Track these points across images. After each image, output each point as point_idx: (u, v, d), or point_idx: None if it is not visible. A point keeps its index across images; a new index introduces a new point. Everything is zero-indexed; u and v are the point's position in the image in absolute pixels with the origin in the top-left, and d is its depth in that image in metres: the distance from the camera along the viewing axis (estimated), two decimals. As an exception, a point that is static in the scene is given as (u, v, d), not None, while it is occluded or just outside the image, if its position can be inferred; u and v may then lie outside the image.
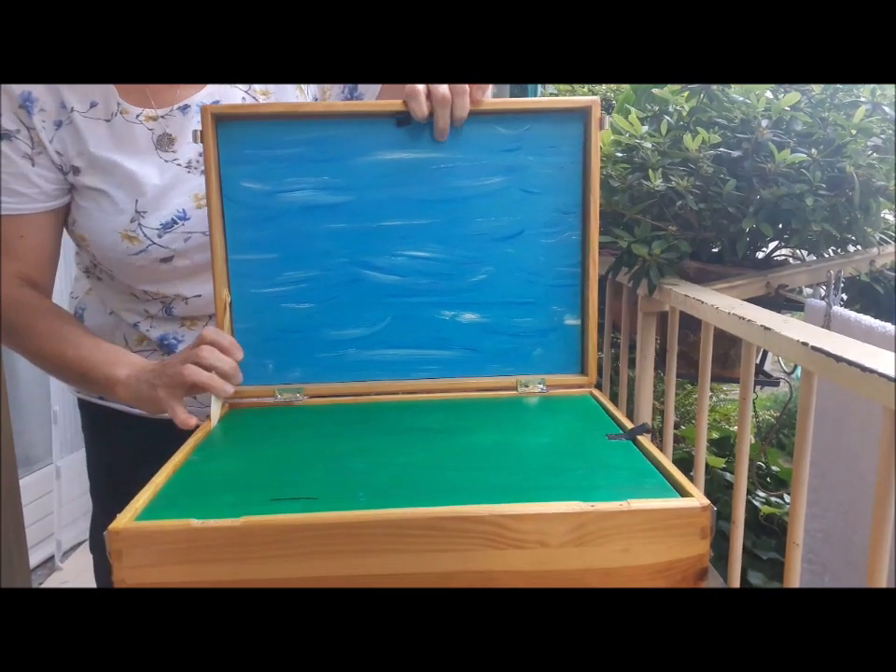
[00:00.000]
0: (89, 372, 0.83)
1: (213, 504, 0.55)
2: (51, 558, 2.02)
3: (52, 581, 1.96)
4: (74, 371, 0.85)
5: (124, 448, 0.98)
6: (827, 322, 0.91)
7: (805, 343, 0.60)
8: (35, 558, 1.93)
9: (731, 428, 1.81)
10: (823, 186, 0.95)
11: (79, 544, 2.12)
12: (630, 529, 0.51)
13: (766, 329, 0.67)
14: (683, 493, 0.54)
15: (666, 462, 0.59)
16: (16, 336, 0.87)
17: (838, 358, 0.55)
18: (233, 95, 0.89)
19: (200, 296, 0.90)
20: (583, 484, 0.56)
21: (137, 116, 0.85)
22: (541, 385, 0.82)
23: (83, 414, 1.03)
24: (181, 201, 0.86)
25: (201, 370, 0.73)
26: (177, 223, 0.86)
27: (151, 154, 0.87)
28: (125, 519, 0.51)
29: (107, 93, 0.86)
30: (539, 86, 2.72)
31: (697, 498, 0.52)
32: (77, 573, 2.02)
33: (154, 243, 0.86)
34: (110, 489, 1.00)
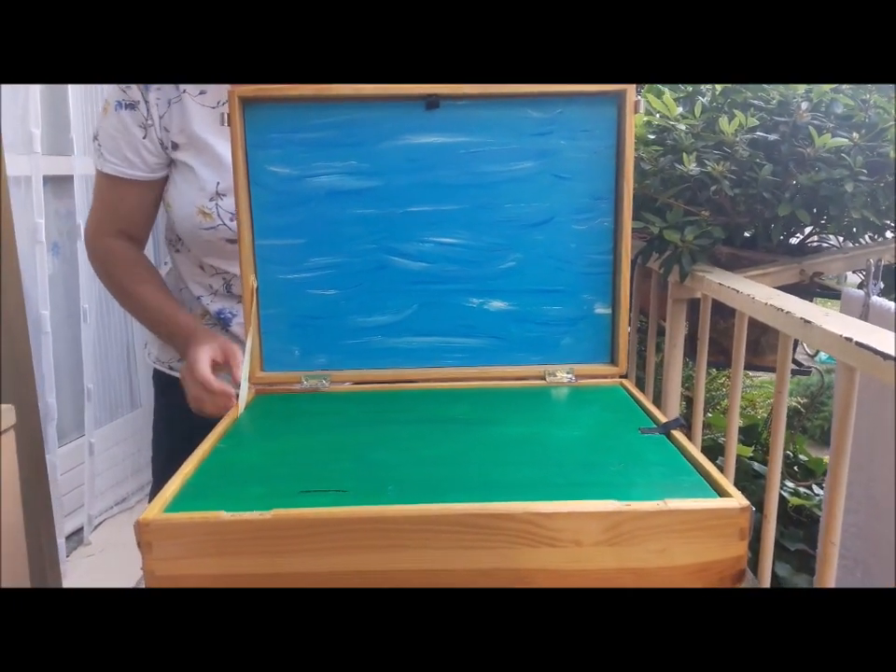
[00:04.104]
0: (158, 336, 1.01)
1: (242, 495, 0.54)
2: (80, 530, 2.06)
3: (79, 555, 2.00)
4: (149, 329, 1.02)
5: (187, 421, 1.00)
6: (865, 312, 0.88)
7: (849, 339, 0.58)
8: (65, 530, 1.96)
9: (758, 416, 1.79)
10: (864, 171, 0.92)
11: (105, 520, 2.16)
12: (667, 529, 0.50)
13: (806, 321, 0.65)
14: (721, 492, 0.52)
15: (703, 459, 0.58)
16: (108, 287, 1.01)
17: (885, 356, 0.53)
18: None
19: None
20: (618, 481, 0.55)
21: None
22: (570, 375, 0.80)
23: (158, 386, 1.10)
24: None
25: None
26: None
27: None
28: (154, 510, 0.51)
29: (220, 84, 0.93)
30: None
31: (736, 499, 0.51)
32: (103, 546, 2.06)
33: (224, 223, 0.94)
34: (174, 453, 1.04)
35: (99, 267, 1.01)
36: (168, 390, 1.09)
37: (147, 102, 0.93)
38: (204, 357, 0.86)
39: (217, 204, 0.94)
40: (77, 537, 2.06)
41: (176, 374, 1.06)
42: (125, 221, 0.99)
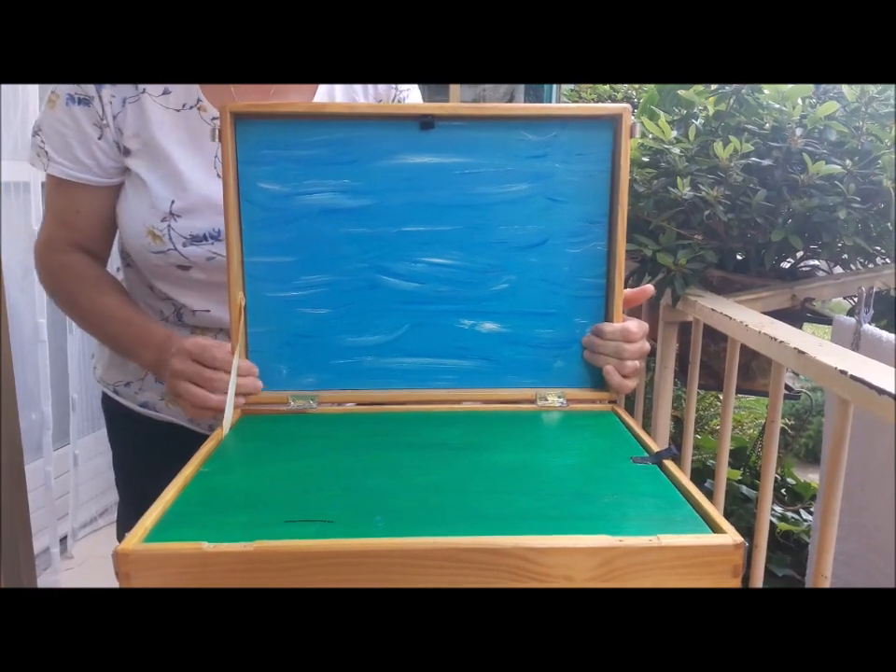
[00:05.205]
0: (124, 352, 0.87)
1: (225, 524, 0.53)
2: (64, 538, 2.03)
3: (60, 567, 1.96)
4: (112, 347, 0.90)
5: (142, 445, 0.97)
6: (856, 340, 0.88)
7: (843, 372, 0.57)
8: (45, 541, 1.93)
9: (745, 438, 1.79)
10: (857, 199, 0.92)
11: (89, 533, 2.13)
12: (659, 566, 0.49)
13: (801, 352, 0.65)
14: (715, 528, 0.52)
15: (695, 491, 0.57)
16: (63, 304, 0.89)
17: (881, 391, 0.53)
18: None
19: (208, 311, 0.88)
20: (611, 514, 0.54)
21: (214, 118, 0.75)
22: (561, 399, 0.80)
23: (105, 410, 1.02)
24: (222, 220, 0.78)
25: (188, 391, 0.73)
26: (207, 240, 0.84)
27: (209, 163, 0.84)
28: (134, 540, 0.49)
29: (187, 84, 0.83)
30: (555, 86, 2.66)
31: (730, 535, 0.50)
32: (84, 559, 2.03)
33: (176, 249, 0.83)
34: (129, 483, 1.01)
35: (50, 283, 0.89)
36: (115, 422, 1.00)
37: (100, 98, 0.82)
38: (201, 338, 0.77)
39: (169, 226, 0.83)
40: (57, 549, 2.02)
41: (121, 400, 0.96)
42: (81, 234, 0.87)
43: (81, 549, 2.07)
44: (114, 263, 0.95)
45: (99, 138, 0.83)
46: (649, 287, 0.82)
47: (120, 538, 1.05)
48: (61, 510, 2.01)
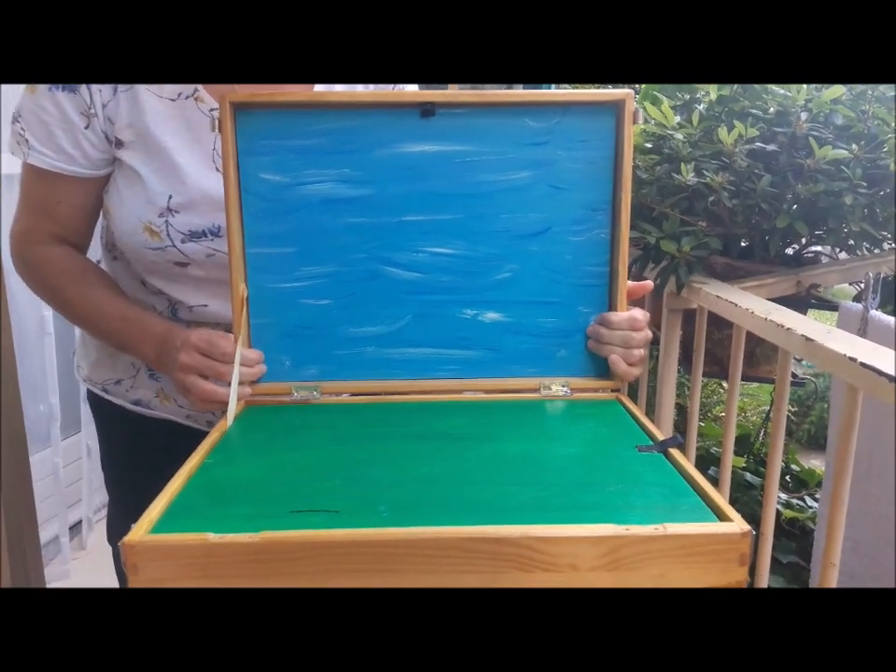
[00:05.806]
0: (120, 347, 0.86)
1: (230, 515, 0.53)
2: (74, 525, 2.04)
3: (69, 555, 1.98)
4: (107, 342, 0.88)
5: (137, 443, 0.96)
6: (863, 326, 0.87)
7: (853, 359, 0.57)
8: (54, 530, 1.94)
9: (749, 425, 1.78)
10: (864, 184, 0.91)
11: (98, 520, 2.14)
12: (665, 554, 0.49)
13: (808, 339, 0.64)
14: (722, 516, 0.51)
15: (702, 479, 0.56)
16: (49, 298, 0.87)
17: (891, 378, 0.52)
18: None
19: (206, 306, 0.86)
20: (616, 503, 0.54)
21: (212, 110, 0.71)
22: (565, 388, 0.79)
23: (93, 408, 1.00)
24: (222, 216, 0.76)
25: (197, 385, 0.73)
26: (207, 237, 0.81)
27: (207, 156, 0.81)
28: (140, 531, 0.49)
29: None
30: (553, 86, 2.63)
31: (737, 524, 0.50)
32: (90, 550, 2.05)
33: (174, 245, 0.81)
34: (121, 482, 1.00)
35: (32, 277, 0.85)
36: (104, 421, 0.99)
37: (88, 86, 0.78)
38: (205, 330, 0.76)
39: (167, 222, 0.79)
40: (57, 543, 2.03)
41: (111, 398, 0.94)
42: (63, 226, 0.84)
43: (92, 538, 2.09)
44: (92, 256, 0.92)
45: (86, 128, 0.79)
46: (648, 283, 0.82)
47: (110, 538, 1.04)
48: (70, 498, 2.03)
